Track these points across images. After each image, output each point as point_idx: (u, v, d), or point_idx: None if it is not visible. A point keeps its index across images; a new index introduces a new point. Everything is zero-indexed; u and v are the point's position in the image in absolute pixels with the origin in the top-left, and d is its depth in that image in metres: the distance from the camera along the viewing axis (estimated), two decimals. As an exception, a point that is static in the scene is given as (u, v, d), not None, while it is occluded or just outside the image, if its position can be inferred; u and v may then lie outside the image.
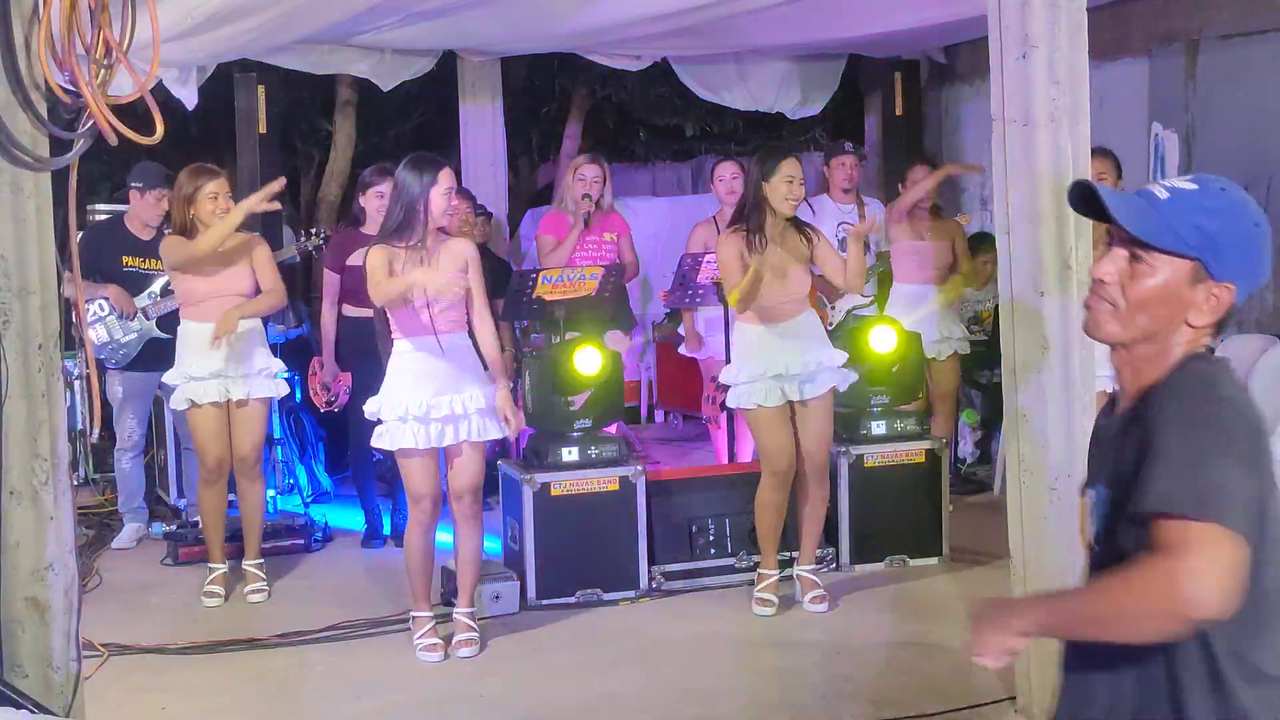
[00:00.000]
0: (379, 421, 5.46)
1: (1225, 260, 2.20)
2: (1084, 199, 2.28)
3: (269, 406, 6.52)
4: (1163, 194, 2.24)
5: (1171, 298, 2.22)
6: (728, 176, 7.46)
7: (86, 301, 6.95)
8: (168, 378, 6.35)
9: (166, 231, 7.28)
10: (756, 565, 6.15)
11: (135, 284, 7.17)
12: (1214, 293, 2.21)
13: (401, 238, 5.37)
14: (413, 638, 5.57)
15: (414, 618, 5.62)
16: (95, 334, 7.04)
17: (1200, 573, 1.98)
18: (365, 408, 5.52)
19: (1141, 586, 2.03)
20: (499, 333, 5.83)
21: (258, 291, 6.27)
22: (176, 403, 6.29)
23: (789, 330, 5.89)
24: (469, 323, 5.51)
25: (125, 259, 7.20)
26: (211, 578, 6.35)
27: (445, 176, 5.39)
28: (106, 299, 7.08)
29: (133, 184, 7.27)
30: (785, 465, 5.91)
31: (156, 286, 7.17)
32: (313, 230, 7.78)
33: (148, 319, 7.12)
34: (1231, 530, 2.00)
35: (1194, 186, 2.25)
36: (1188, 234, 2.19)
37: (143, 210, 7.23)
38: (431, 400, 5.35)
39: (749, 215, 5.88)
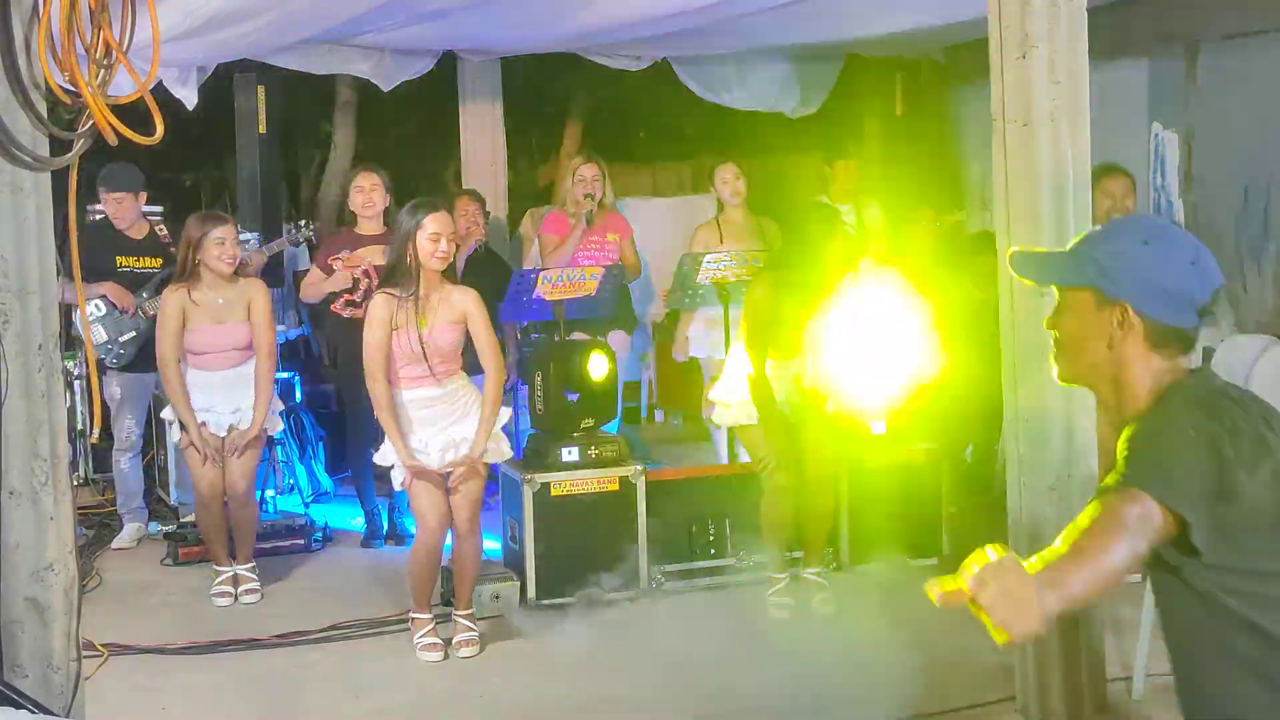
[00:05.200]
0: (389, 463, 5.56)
1: (1116, 280, 2.42)
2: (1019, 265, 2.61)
3: (262, 440, 6.54)
4: (1076, 241, 2.56)
5: (1089, 328, 2.46)
6: (730, 178, 7.47)
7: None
8: (166, 413, 6.47)
9: (161, 231, 7.30)
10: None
11: (131, 283, 7.16)
12: (1116, 314, 2.43)
13: (399, 284, 5.39)
14: (413, 638, 5.58)
15: (413, 619, 5.63)
16: (93, 334, 7.04)
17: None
18: (375, 458, 5.63)
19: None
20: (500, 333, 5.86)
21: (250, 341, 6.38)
22: (175, 436, 6.45)
23: (794, 365, 5.92)
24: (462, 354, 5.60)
25: (120, 259, 7.21)
26: (220, 579, 6.39)
27: (432, 221, 5.36)
28: (104, 297, 7.07)
29: (99, 185, 7.29)
30: (785, 479, 5.91)
31: (152, 285, 7.17)
32: (301, 222, 7.76)
33: (146, 316, 7.11)
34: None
35: (1101, 229, 2.56)
36: (1085, 267, 2.46)
37: (109, 211, 7.25)
38: (434, 438, 5.46)
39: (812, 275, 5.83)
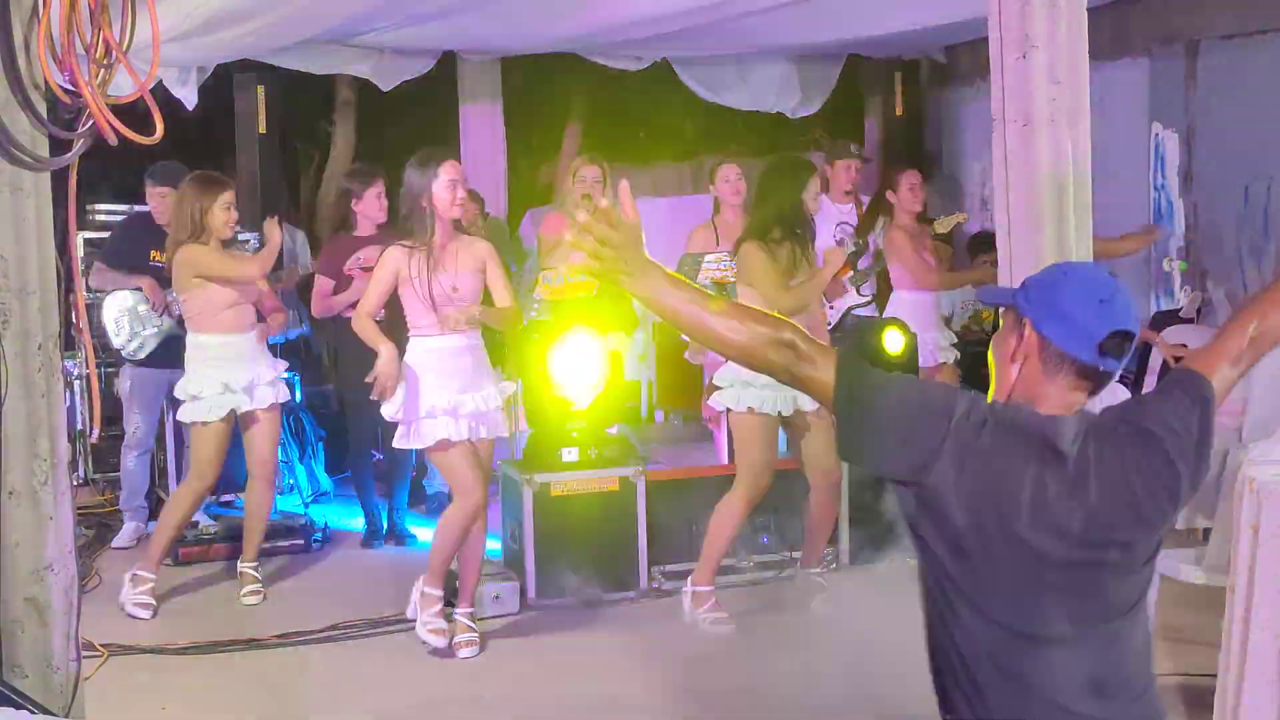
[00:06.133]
0: (400, 423, 5.47)
1: (1030, 298, 2.54)
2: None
3: (280, 410, 6.57)
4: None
5: (1004, 345, 2.58)
6: (733, 178, 7.47)
7: (114, 290, 7.07)
8: (178, 391, 6.40)
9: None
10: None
11: (160, 280, 7.18)
12: (1021, 329, 2.53)
13: (413, 237, 5.38)
14: (420, 614, 5.47)
15: (425, 594, 5.49)
16: (117, 325, 7.08)
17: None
18: (384, 410, 5.51)
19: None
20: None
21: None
22: (185, 415, 6.33)
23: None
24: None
25: (153, 253, 7.22)
26: (144, 588, 6.16)
27: (447, 169, 5.40)
28: (138, 290, 7.10)
29: (145, 179, 7.36)
30: (769, 482, 5.88)
31: None
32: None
33: (173, 316, 7.11)
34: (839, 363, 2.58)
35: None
36: (1014, 290, 2.61)
37: (152, 206, 7.29)
38: (457, 398, 5.39)
39: (795, 226, 5.85)
